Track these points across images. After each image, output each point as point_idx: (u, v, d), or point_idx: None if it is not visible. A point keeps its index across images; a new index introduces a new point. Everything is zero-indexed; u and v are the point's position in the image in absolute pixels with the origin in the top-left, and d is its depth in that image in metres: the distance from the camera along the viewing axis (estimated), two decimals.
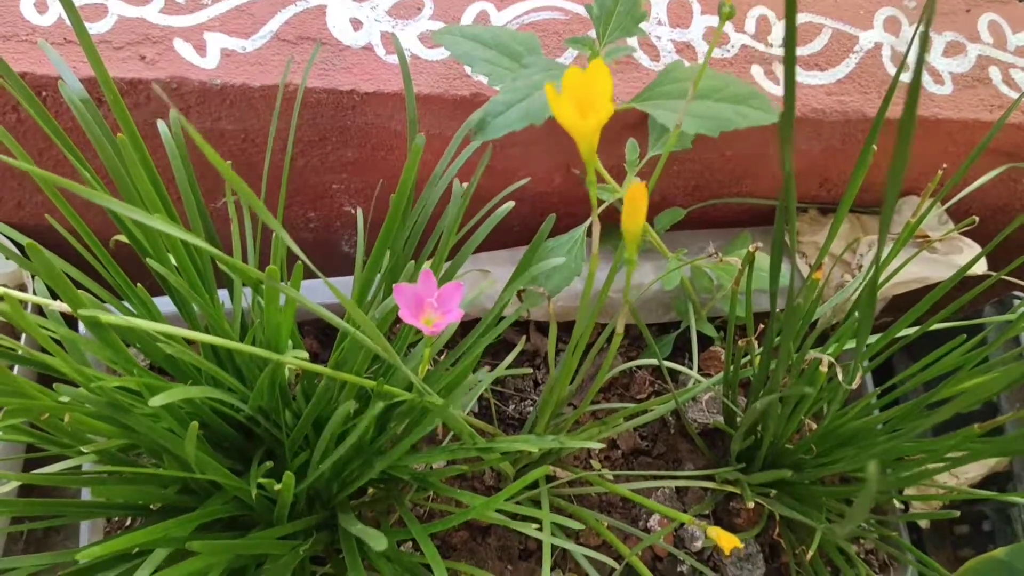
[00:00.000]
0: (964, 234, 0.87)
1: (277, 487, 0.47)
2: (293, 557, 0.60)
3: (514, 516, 0.71)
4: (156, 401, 0.40)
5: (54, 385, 0.48)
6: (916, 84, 0.41)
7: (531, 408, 0.86)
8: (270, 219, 0.41)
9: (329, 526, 0.70)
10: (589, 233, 0.77)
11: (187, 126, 0.36)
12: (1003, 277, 0.72)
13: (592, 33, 0.67)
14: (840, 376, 0.57)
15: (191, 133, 0.37)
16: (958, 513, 0.66)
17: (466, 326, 0.86)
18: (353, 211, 0.88)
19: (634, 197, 0.40)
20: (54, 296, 0.54)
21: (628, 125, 0.77)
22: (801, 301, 0.60)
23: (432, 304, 0.50)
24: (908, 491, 0.85)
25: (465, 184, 0.64)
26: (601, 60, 0.39)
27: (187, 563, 0.47)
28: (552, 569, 0.82)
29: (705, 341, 0.92)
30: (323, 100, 0.71)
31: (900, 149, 0.43)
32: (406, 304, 0.49)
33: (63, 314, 0.61)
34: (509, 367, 0.75)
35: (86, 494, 0.70)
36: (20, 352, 0.61)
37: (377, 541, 0.47)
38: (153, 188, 0.51)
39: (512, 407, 0.87)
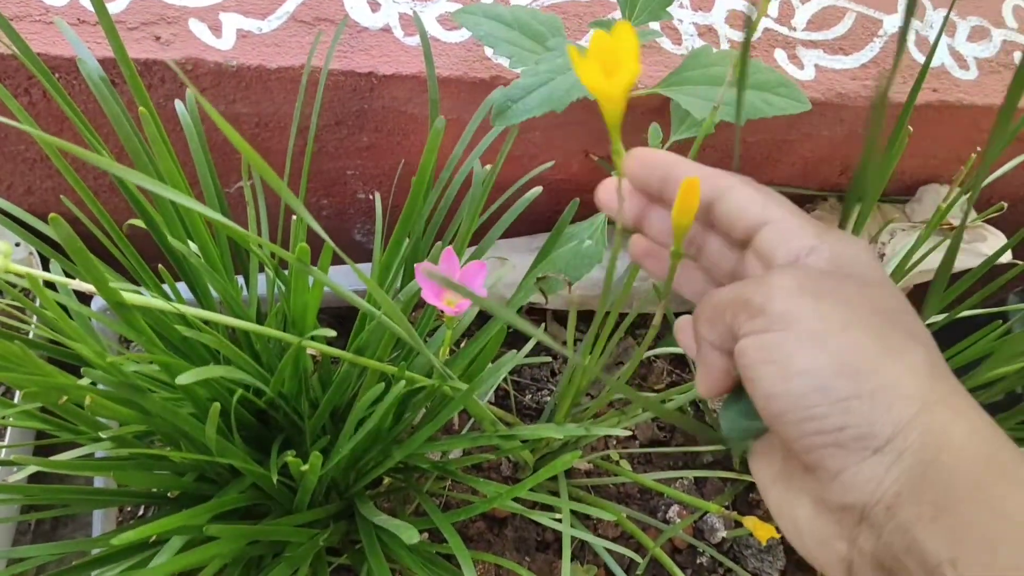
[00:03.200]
0: (987, 222, 0.86)
1: (304, 467, 0.45)
2: (312, 546, 0.59)
3: (532, 506, 0.70)
4: (185, 378, 0.39)
5: (82, 369, 0.47)
6: (924, 68, 0.39)
7: (548, 398, 0.85)
8: (293, 200, 0.40)
9: (346, 516, 0.69)
10: (610, 220, 0.76)
11: (204, 103, 0.35)
12: None
13: (616, 15, 0.66)
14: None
15: (208, 110, 0.36)
16: None
17: (484, 315, 0.85)
18: (367, 198, 0.87)
19: (687, 191, 0.38)
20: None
21: (650, 110, 0.75)
22: None
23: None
24: None
25: (488, 166, 0.63)
26: (627, 22, 0.37)
27: (203, 549, 0.46)
28: (571, 561, 0.81)
29: None
30: (340, 83, 0.69)
31: (898, 128, 0.42)
32: (428, 284, 0.48)
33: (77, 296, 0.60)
34: (527, 356, 0.74)
35: (99, 483, 0.69)
36: (32, 335, 0.60)
37: (409, 534, 0.46)
38: (175, 167, 0.50)
39: (529, 397, 0.86)
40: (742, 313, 0.34)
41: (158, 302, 0.43)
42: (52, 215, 0.40)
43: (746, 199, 0.37)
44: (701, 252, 0.42)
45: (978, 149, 0.68)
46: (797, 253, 0.35)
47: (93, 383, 0.46)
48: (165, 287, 0.63)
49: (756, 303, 0.33)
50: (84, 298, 0.67)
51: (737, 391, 0.37)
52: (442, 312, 0.71)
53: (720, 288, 0.37)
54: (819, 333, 0.31)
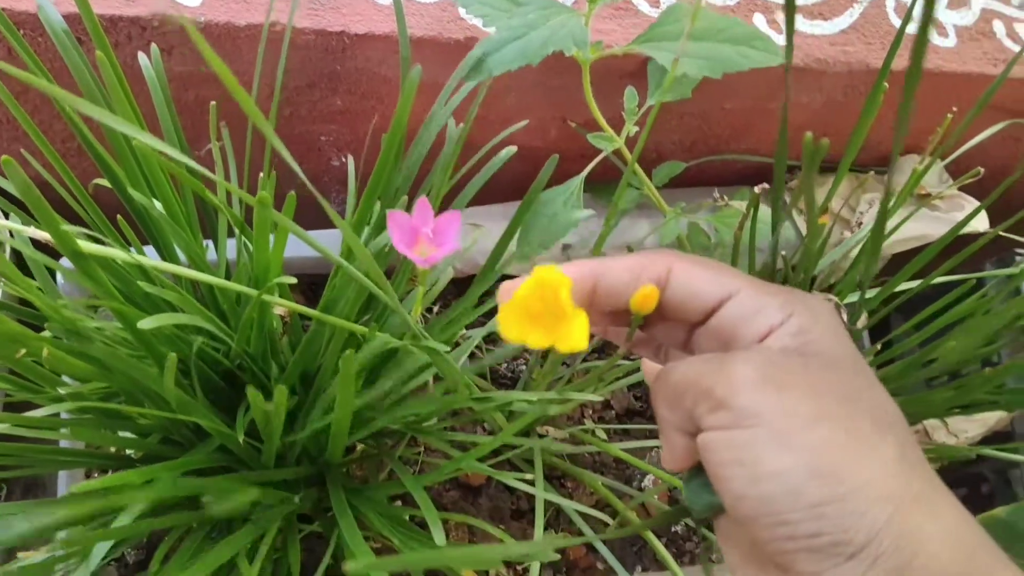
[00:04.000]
0: (968, 194, 0.86)
1: (267, 407, 0.44)
2: (282, 509, 0.58)
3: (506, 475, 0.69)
4: (146, 323, 0.38)
5: (45, 325, 0.46)
6: (924, 35, 0.39)
7: (523, 366, 0.85)
8: (266, 127, 0.39)
9: (318, 483, 0.68)
10: (587, 187, 0.75)
11: (209, 56, 0.34)
12: (1006, 235, 0.71)
13: None
14: (843, 317, 0.56)
15: (211, 61, 0.34)
16: (975, 454, 0.65)
17: (458, 284, 0.84)
18: (342, 165, 0.85)
19: (644, 300, 0.36)
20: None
21: (627, 73, 0.75)
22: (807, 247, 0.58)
23: (427, 235, 0.48)
24: None
25: (461, 125, 0.62)
26: (557, 270, 0.34)
27: (167, 498, 0.45)
28: (545, 529, 0.80)
29: None
30: (311, 43, 0.68)
31: (907, 95, 0.41)
32: (400, 233, 0.47)
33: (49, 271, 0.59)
34: None
35: (64, 444, 0.68)
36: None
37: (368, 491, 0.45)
38: (131, 111, 0.49)
39: (505, 366, 0.85)
40: (704, 402, 0.33)
41: (116, 251, 0.42)
42: (4, 157, 0.39)
43: (697, 280, 0.36)
44: (649, 328, 0.40)
45: (954, 109, 0.68)
46: (762, 330, 0.34)
47: (53, 331, 0.45)
48: (133, 252, 0.61)
49: (718, 395, 0.32)
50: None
51: (701, 465, 0.35)
52: (414, 277, 0.70)
53: (677, 366, 0.36)
54: (786, 432, 0.30)
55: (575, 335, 0.33)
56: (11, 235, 0.55)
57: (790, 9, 0.40)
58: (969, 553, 0.29)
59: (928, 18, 0.38)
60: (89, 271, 0.44)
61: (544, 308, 0.34)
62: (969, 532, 0.30)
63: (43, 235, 0.41)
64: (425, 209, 0.47)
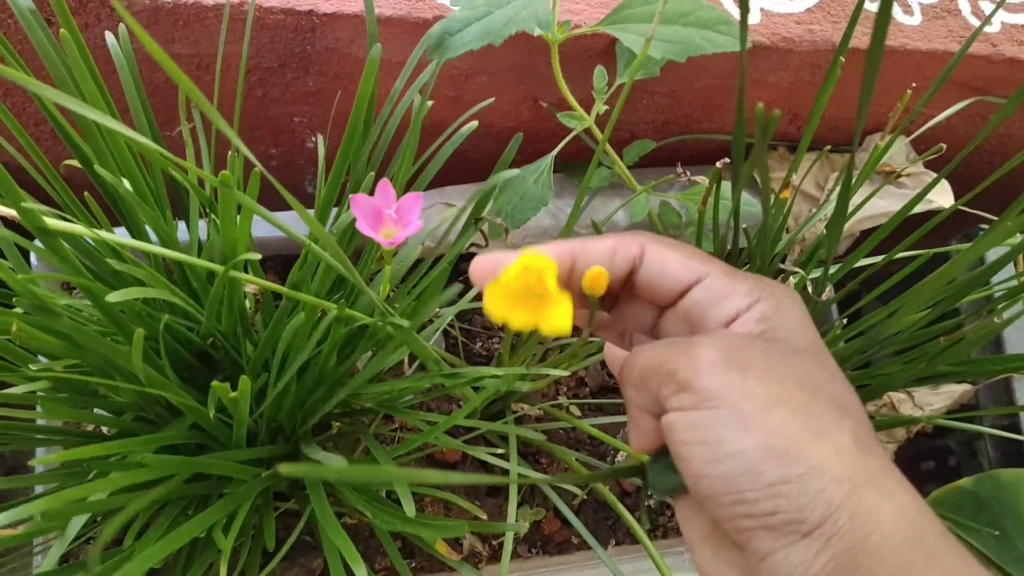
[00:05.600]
0: (936, 172, 0.87)
1: (232, 394, 0.45)
2: (256, 483, 0.59)
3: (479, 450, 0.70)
4: (115, 296, 0.39)
5: (14, 300, 0.46)
6: (886, 11, 0.40)
7: (498, 345, 0.86)
8: (225, 126, 0.39)
9: (292, 460, 0.69)
10: (557, 168, 0.76)
11: (140, 33, 0.34)
12: (970, 211, 0.72)
13: None
14: (810, 289, 0.57)
15: (144, 41, 0.35)
16: (934, 425, 0.66)
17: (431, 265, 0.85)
18: (315, 146, 0.86)
19: (594, 280, 0.37)
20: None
21: (596, 53, 0.75)
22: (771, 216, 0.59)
23: (391, 216, 0.49)
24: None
25: (430, 103, 0.62)
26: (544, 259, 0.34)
27: (138, 473, 0.46)
28: (519, 505, 0.81)
29: None
30: (281, 22, 0.68)
31: (869, 71, 0.42)
32: (363, 215, 0.48)
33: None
34: (474, 302, 0.74)
35: (41, 422, 0.68)
36: None
37: (337, 462, 0.46)
38: (97, 91, 0.49)
39: (480, 344, 0.86)
40: (668, 384, 0.34)
41: (80, 228, 0.42)
42: None
43: (669, 262, 0.36)
44: (618, 310, 0.40)
45: (913, 85, 0.69)
46: (729, 315, 0.35)
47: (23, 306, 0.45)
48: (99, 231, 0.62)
49: (682, 377, 0.33)
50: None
51: (666, 447, 0.36)
52: (383, 256, 0.71)
53: (643, 349, 0.37)
54: (746, 413, 0.31)
55: (559, 318, 0.34)
56: None
57: None
58: (920, 533, 0.30)
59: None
60: (56, 248, 0.45)
61: (529, 291, 0.35)
62: (920, 514, 0.31)
63: (10, 212, 0.42)
64: (387, 190, 0.47)
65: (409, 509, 0.54)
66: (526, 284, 0.35)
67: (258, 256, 0.47)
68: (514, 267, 0.34)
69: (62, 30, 0.46)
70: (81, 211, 0.60)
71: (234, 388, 0.60)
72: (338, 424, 0.74)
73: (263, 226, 0.79)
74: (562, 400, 0.85)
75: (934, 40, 0.80)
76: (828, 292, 0.59)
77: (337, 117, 0.81)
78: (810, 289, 0.58)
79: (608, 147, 0.77)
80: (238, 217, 0.51)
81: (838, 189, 0.81)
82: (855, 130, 0.44)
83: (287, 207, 0.67)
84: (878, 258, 0.70)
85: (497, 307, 0.35)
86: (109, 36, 0.58)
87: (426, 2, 0.70)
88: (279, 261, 0.85)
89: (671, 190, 0.84)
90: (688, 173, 0.74)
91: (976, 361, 0.65)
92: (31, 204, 0.38)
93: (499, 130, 0.86)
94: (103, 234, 0.44)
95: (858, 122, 0.48)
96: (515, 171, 0.61)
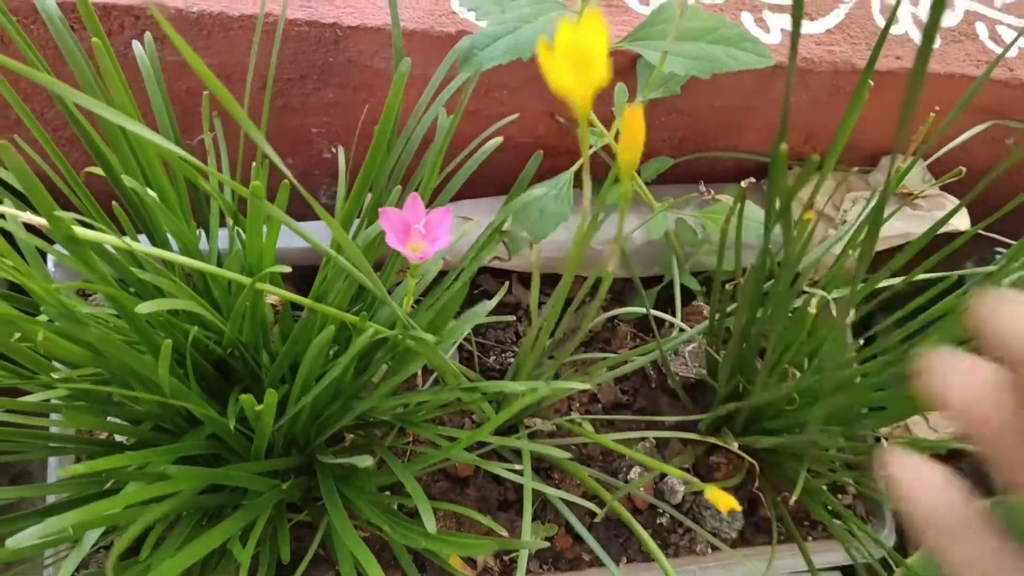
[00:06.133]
0: (950, 193, 0.87)
1: (258, 408, 0.45)
2: (271, 496, 0.59)
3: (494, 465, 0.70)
4: (144, 308, 0.39)
5: (42, 308, 0.46)
6: (930, 37, 0.40)
7: (512, 359, 0.85)
8: (254, 131, 0.39)
9: (307, 473, 0.69)
10: (577, 183, 0.76)
11: (180, 42, 0.35)
12: (986, 234, 0.72)
13: None
14: (833, 311, 0.57)
15: (183, 50, 0.35)
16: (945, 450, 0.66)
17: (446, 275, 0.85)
18: (333, 157, 0.86)
19: (631, 121, 0.38)
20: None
21: (617, 71, 0.75)
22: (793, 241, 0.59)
23: (419, 231, 0.49)
24: (886, 443, 0.85)
25: (451, 116, 0.62)
26: (597, 10, 0.36)
27: (158, 487, 0.46)
28: (532, 520, 0.81)
29: (688, 297, 0.92)
30: (304, 34, 0.68)
31: (910, 98, 0.42)
32: (392, 229, 0.48)
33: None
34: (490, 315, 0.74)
35: (56, 430, 0.68)
36: None
37: (361, 460, 0.46)
38: (130, 102, 0.49)
39: (493, 358, 0.86)
40: None
41: (110, 237, 0.42)
42: (2, 143, 0.39)
43: None
44: None
45: (936, 109, 0.69)
46: None
47: (50, 321, 0.45)
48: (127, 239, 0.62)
49: None
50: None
51: None
52: (404, 268, 0.71)
53: None
54: None
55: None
56: (2, 217, 0.55)
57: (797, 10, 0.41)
58: None
59: (935, 24, 0.39)
60: (83, 257, 0.45)
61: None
62: None
63: (38, 220, 0.42)
64: (416, 205, 0.47)
65: (430, 525, 0.53)
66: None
67: (287, 268, 0.46)
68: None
69: (94, 39, 0.46)
70: (101, 216, 0.60)
71: (253, 398, 0.60)
72: (352, 436, 0.74)
73: (282, 237, 0.79)
74: (575, 415, 0.84)
75: (952, 64, 0.80)
76: (851, 317, 0.59)
77: (355, 128, 0.81)
78: (833, 311, 0.58)
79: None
80: (265, 228, 0.51)
81: (854, 209, 0.81)
82: (892, 156, 0.45)
83: (302, 217, 0.67)
84: (896, 280, 0.70)
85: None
86: (136, 45, 0.58)
87: (449, 16, 0.70)
88: (296, 271, 0.85)
89: (687, 207, 0.84)
90: (712, 192, 0.74)
91: None
92: (61, 213, 0.38)
93: (516, 143, 0.85)
94: (132, 243, 0.44)
95: (895, 149, 0.49)
96: (539, 190, 0.61)
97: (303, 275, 0.85)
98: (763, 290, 0.65)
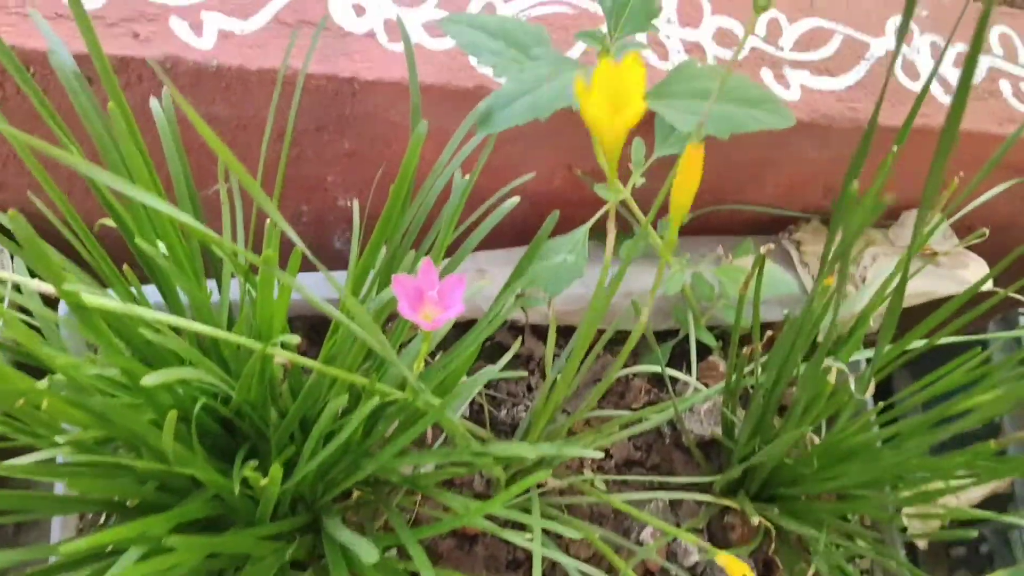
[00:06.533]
0: (969, 248, 0.86)
1: (263, 481, 0.44)
2: (275, 560, 0.57)
3: (504, 524, 0.68)
4: (151, 379, 0.38)
5: (48, 377, 0.46)
6: (962, 99, 0.39)
7: (524, 413, 0.84)
8: (264, 200, 0.39)
9: (312, 530, 0.67)
10: (591, 235, 0.75)
11: (181, 101, 0.34)
12: (1014, 296, 0.71)
13: (603, 28, 0.65)
14: (852, 385, 0.55)
15: (184, 108, 0.35)
16: (976, 533, 0.64)
17: (460, 328, 0.84)
18: (348, 205, 0.85)
19: (690, 161, 0.37)
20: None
21: (635, 125, 0.75)
22: (813, 307, 0.58)
23: (432, 298, 0.48)
24: (906, 509, 0.83)
25: (467, 176, 0.62)
26: (637, 54, 0.37)
27: (161, 559, 0.45)
28: None
29: (703, 351, 0.90)
30: (322, 87, 0.68)
31: (939, 157, 0.41)
32: (405, 297, 0.47)
33: (44, 300, 0.59)
34: (503, 370, 0.73)
35: (59, 488, 0.67)
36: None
37: (368, 553, 0.45)
38: (144, 166, 0.48)
39: (504, 412, 0.84)
40: None
41: (117, 304, 0.41)
42: (11, 212, 0.39)
43: None
44: None
45: (960, 175, 0.68)
46: None
47: (53, 386, 0.45)
48: (133, 290, 0.61)
49: None
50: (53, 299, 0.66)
51: None
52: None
53: None
54: None
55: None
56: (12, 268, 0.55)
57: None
58: None
59: (966, 87, 0.38)
60: (91, 323, 0.44)
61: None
62: None
63: (47, 288, 0.41)
64: (430, 271, 0.46)
65: None
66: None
67: (296, 339, 0.46)
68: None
69: (110, 104, 0.46)
70: (112, 271, 0.59)
71: (258, 457, 0.59)
72: (359, 493, 0.72)
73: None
74: (587, 472, 0.83)
75: (974, 121, 0.79)
76: (871, 390, 0.57)
77: (371, 178, 0.81)
78: (852, 384, 0.56)
79: (641, 216, 0.76)
80: (276, 291, 0.50)
81: (875, 265, 0.80)
82: (917, 216, 0.43)
83: (320, 261, 0.66)
84: (919, 343, 0.69)
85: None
86: (154, 103, 0.57)
87: (467, 71, 0.70)
88: (307, 321, 0.84)
89: (704, 260, 0.83)
90: (731, 256, 0.73)
91: (1014, 460, 0.63)
92: (73, 285, 0.38)
93: (532, 194, 0.85)
94: (140, 310, 0.43)
95: (921, 209, 0.47)
96: (555, 256, 0.61)
97: (314, 324, 0.84)
98: (791, 352, 0.63)
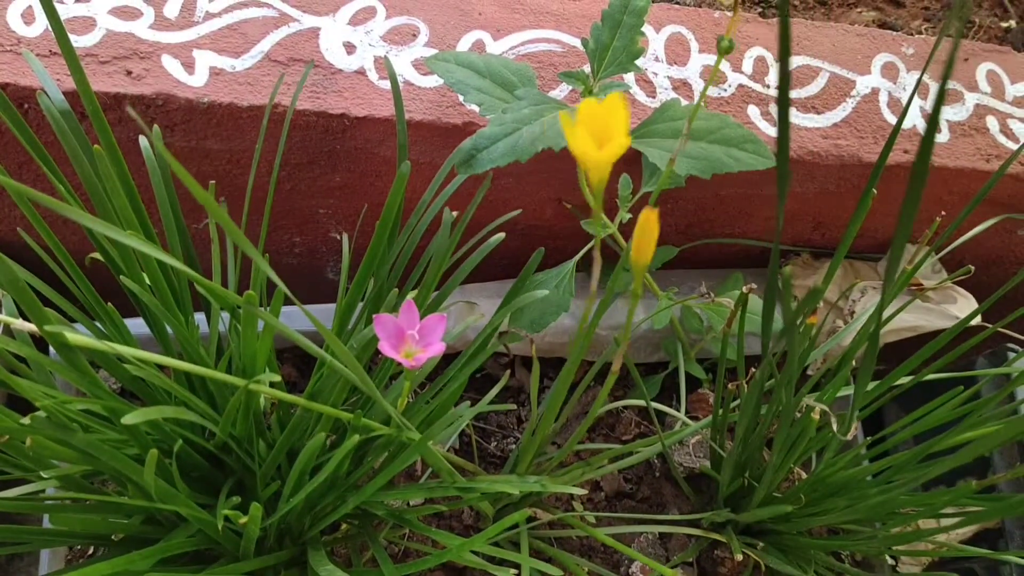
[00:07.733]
0: (956, 283, 0.86)
1: (243, 519, 0.44)
2: None
3: (492, 559, 0.68)
4: (130, 419, 0.38)
5: (31, 416, 0.46)
6: (930, 134, 0.40)
7: (513, 446, 0.84)
8: (250, 248, 0.39)
9: (298, 564, 0.67)
10: (579, 268, 0.76)
11: (159, 147, 0.35)
12: (1002, 331, 0.71)
13: (587, 68, 0.66)
14: (835, 426, 0.56)
15: (161, 152, 0.35)
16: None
17: (449, 359, 0.84)
18: (339, 237, 0.86)
19: (645, 224, 0.39)
20: (25, 319, 0.52)
21: (621, 160, 0.75)
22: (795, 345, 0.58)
23: (413, 336, 0.48)
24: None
25: (455, 213, 0.63)
26: (619, 94, 0.38)
27: None
28: None
29: (692, 383, 0.91)
30: (313, 123, 0.69)
31: (912, 194, 0.42)
32: (386, 336, 0.47)
33: (34, 337, 0.59)
34: (492, 403, 0.73)
35: (48, 521, 0.67)
36: None
37: None
38: (130, 204, 0.49)
39: (494, 444, 0.84)
40: None
41: (99, 343, 0.42)
42: None
43: None
44: None
45: (943, 213, 0.69)
46: None
47: (34, 423, 0.45)
48: (129, 321, 0.62)
49: None
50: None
51: None
52: None
53: None
54: None
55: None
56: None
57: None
58: None
59: (934, 123, 0.39)
60: (76, 364, 0.44)
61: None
62: None
63: (32, 328, 0.42)
64: (411, 311, 0.47)
65: None
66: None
67: (277, 378, 0.46)
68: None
69: (95, 147, 0.47)
70: (100, 303, 0.60)
71: (245, 491, 0.59)
72: (345, 526, 0.72)
73: (282, 315, 0.79)
74: (576, 505, 0.83)
75: (962, 158, 0.79)
76: (854, 430, 0.57)
77: (361, 210, 0.82)
78: (835, 425, 0.56)
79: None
80: (259, 330, 0.51)
81: (863, 299, 0.80)
82: (890, 255, 0.44)
83: (307, 298, 0.67)
84: (906, 379, 0.69)
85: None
86: (143, 141, 0.58)
87: (456, 108, 0.71)
88: (297, 352, 0.85)
89: (692, 293, 0.83)
90: (712, 295, 0.73)
91: (1003, 498, 0.63)
92: (56, 327, 0.38)
93: (522, 227, 0.86)
94: (123, 349, 0.44)
95: (894, 245, 0.48)
96: (540, 291, 0.61)
97: (304, 356, 0.85)
98: (766, 390, 0.64)
